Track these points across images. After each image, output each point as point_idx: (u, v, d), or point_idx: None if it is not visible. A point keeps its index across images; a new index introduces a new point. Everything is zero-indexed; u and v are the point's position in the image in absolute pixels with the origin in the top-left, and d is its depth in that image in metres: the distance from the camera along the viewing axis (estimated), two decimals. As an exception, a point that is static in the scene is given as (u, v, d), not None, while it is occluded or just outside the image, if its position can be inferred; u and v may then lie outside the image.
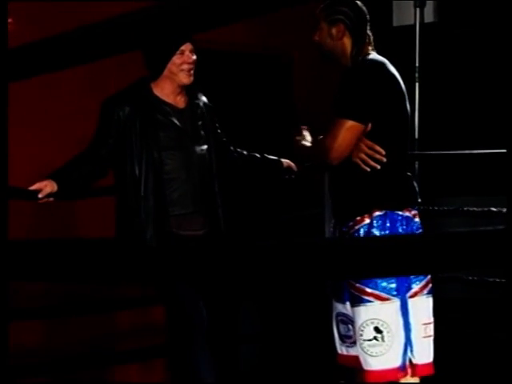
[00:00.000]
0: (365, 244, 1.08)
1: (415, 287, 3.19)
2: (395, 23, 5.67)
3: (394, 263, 1.05)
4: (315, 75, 6.03)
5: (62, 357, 4.49)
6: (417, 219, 3.23)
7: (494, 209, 4.46)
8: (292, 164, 3.92)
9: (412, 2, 5.59)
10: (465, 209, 4.62)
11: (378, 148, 3.17)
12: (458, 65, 5.81)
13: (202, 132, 3.64)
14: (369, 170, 3.17)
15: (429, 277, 3.23)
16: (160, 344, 4.50)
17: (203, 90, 3.83)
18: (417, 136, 5.16)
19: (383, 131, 3.19)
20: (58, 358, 4.47)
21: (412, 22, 5.62)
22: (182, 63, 3.52)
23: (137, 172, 3.46)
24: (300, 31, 5.98)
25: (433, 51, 5.67)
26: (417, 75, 5.42)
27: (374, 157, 3.17)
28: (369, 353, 3.14)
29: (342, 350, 3.37)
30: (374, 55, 3.27)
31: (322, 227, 4.41)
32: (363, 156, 3.17)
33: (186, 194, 3.54)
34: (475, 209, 4.55)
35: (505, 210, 4.28)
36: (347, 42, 3.27)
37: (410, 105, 3.32)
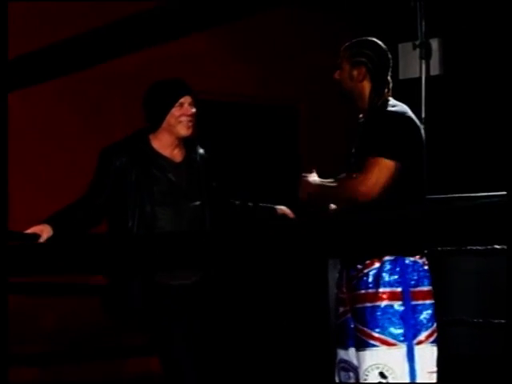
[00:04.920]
0: (366, 220, 1.07)
1: (422, 334, 3.15)
2: (401, 76, 5.71)
3: (394, 239, 1.04)
4: (321, 126, 6.07)
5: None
6: (426, 267, 3.21)
7: (497, 246, 4.42)
8: (287, 211, 3.90)
9: (418, 55, 5.65)
10: (468, 248, 4.58)
11: None
12: (462, 116, 5.84)
13: (197, 187, 3.65)
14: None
15: (435, 325, 3.19)
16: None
17: (207, 142, 3.85)
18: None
19: (407, 175, 3.18)
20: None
21: (418, 75, 5.67)
22: (181, 115, 3.54)
23: (129, 224, 3.47)
24: (306, 83, 6.05)
25: (438, 103, 5.71)
26: (423, 126, 5.43)
27: None
28: None
29: None
30: (394, 101, 3.27)
31: (325, 272, 4.39)
32: None
33: None
34: (479, 247, 4.51)
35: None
36: (367, 85, 3.27)
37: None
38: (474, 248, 4.61)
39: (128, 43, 1.28)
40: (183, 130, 3.56)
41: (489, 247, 4.54)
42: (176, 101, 3.53)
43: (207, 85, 5.36)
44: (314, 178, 3.35)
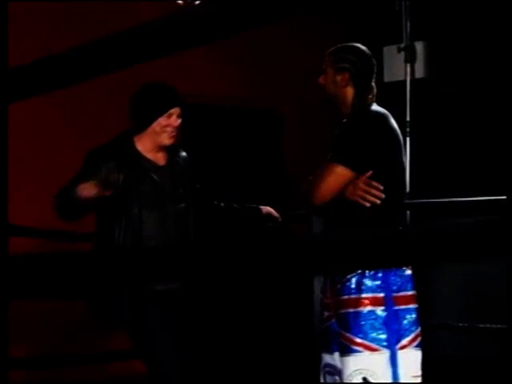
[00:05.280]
0: (358, 237, 1.06)
1: (405, 339, 3.15)
2: (386, 79, 5.72)
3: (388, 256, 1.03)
4: (305, 129, 6.07)
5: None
6: (409, 271, 3.20)
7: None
8: (272, 211, 3.89)
9: (402, 58, 5.66)
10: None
11: (375, 184, 3.14)
12: (448, 119, 5.85)
13: (181, 190, 3.64)
14: (368, 205, 3.14)
15: (419, 330, 3.19)
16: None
17: (193, 145, 3.85)
18: (408, 188, 5.17)
19: (379, 182, 3.17)
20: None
21: (402, 78, 5.68)
22: (167, 125, 3.53)
23: (116, 228, 3.46)
24: (291, 86, 6.05)
25: (423, 106, 5.72)
26: (408, 129, 5.45)
27: (371, 192, 3.13)
28: None
29: None
30: (375, 106, 3.27)
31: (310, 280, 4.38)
32: (361, 193, 3.13)
33: None
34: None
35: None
36: (350, 91, 3.26)
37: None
38: None
39: (133, 55, 1.26)
40: (166, 140, 3.55)
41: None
42: (166, 111, 3.52)
43: (193, 88, 5.35)
44: None
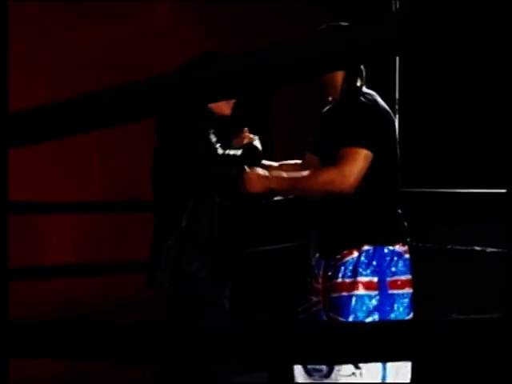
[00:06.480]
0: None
1: None
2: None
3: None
4: (293, 114, 6.01)
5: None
6: (407, 255, 3.16)
7: (477, 248, 4.39)
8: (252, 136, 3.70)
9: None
10: (449, 247, 4.56)
11: None
12: (437, 98, 5.79)
13: None
14: None
15: (411, 315, 3.16)
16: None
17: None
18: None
19: (381, 166, 3.11)
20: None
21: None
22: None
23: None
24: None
25: (412, 83, 5.66)
26: (397, 107, 5.39)
27: None
28: None
29: None
30: (366, 90, 3.20)
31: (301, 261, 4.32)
32: None
33: None
34: (460, 247, 4.48)
35: (488, 249, 4.22)
36: (339, 74, 3.20)
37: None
38: (456, 248, 4.59)
39: (136, 109, 1.18)
40: (227, 111, 3.56)
41: (469, 248, 4.52)
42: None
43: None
44: (259, 171, 3.23)
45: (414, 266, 3.20)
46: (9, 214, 1.38)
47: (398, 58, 5.58)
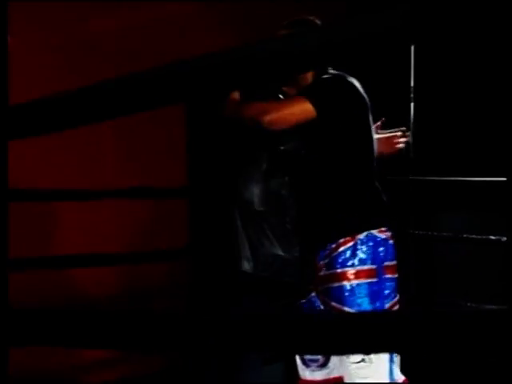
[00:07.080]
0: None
1: (386, 306, 3.13)
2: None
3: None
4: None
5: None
6: (391, 241, 3.16)
7: (492, 237, 4.36)
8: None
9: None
10: (464, 236, 4.53)
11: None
12: (453, 84, 5.75)
13: None
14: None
15: (397, 298, 3.20)
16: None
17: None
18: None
19: (353, 142, 3.11)
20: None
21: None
22: None
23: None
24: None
25: (428, 71, 5.62)
26: (412, 95, 5.34)
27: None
28: (357, 375, 3.04)
29: (305, 375, 3.27)
30: (337, 72, 3.16)
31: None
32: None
33: None
34: (475, 236, 4.46)
35: (504, 238, 4.19)
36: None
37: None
38: (459, 236, 4.57)
39: (140, 99, 1.16)
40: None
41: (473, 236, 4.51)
42: None
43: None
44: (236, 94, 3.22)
45: (424, 253, 3.21)
46: (32, 201, 1.38)
47: (413, 47, 5.53)
